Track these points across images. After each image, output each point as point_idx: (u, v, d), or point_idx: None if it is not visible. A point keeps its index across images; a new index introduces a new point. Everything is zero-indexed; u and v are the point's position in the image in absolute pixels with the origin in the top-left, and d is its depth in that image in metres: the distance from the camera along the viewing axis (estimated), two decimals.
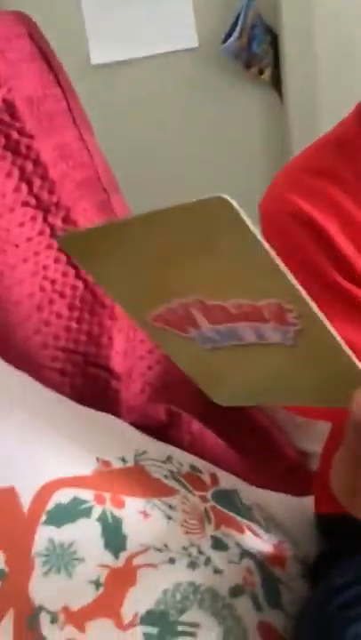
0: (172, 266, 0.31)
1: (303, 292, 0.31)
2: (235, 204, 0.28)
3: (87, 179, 0.81)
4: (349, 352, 0.32)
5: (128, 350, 0.81)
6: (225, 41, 1.86)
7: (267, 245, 0.29)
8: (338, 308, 0.46)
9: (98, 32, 1.87)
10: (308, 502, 0.69)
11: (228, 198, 0.28)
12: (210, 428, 0.79)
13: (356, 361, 0.32)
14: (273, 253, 0.29)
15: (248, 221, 0.28)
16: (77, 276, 0.77)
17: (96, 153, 0.85)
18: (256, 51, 1.85)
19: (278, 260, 0.29)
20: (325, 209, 0.48)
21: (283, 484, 0.77)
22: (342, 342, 0.32)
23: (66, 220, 0.75)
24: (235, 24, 1.84)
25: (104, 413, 0.59)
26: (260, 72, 1.88)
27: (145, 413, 0.78)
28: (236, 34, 1.83)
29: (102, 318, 0.78)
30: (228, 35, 1.85)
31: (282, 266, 0.30)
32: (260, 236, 0.29)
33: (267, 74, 1.88)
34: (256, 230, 0.29)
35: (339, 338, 0.32)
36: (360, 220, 0.46)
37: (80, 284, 0.77)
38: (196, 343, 0.33)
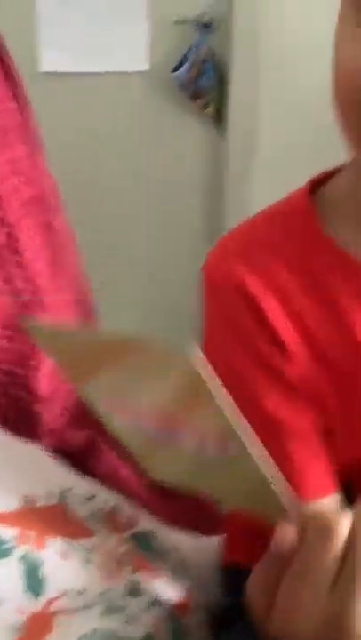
0: (126, 378, 0.32)
1: (249, 437, 0.32)
2: (203, 363, 0.29)
3: (34, 197, 0.80)
4: (284, 489, 0.33)
5: (54, 373, 0.80)
6: (176, 69, 1.89)
7: (224, 398, 0.30)
8: (275, 389, 0.48)
9: (51, 39, 1.85)
10: (218, 544, 0.70)
11: (201, 359, 0.29)
12: (126, 461, 0.79)
13: (289, 498, 0.34)
14: (229, 407, 0.31)
15: (212, 381, 0.29)
16: (14, 293, 0.76)
17: (44, 172, 0.84)
18: (203, 85, 1.89)
19: (231, 409, 0.31)
20: (270, 288, 0.49)
21: (194, 520, 0.78)
22: (278, 477, 0.33)
23: (9, 236, 0.73)
24: (187, 55, 1.87)
25: (31, 446, 0.58)
26: (206, 106, 1.92)
27: (63, 438, 0.77)
28: (186, 65, 1.86)
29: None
30: (180, 64, 1.88)
31: (232, 414, 0.31)
32: (217, 392, 0.30)
33: (211, 109, 1.92)
34: (216, 387, 0.30)
35: (275, 472, 0.33)
36: (303, 305, 0.48)
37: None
38: (130, 424, 0.34)
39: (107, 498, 0.57)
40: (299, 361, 0.48)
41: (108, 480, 0.77)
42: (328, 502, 0.49)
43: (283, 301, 0.49)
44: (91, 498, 0.55)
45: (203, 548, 0.69)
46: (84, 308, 0.92)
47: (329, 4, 1.84)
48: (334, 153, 0.39)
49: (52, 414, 0.78)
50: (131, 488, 0.78)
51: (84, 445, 0.76)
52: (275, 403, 0.49)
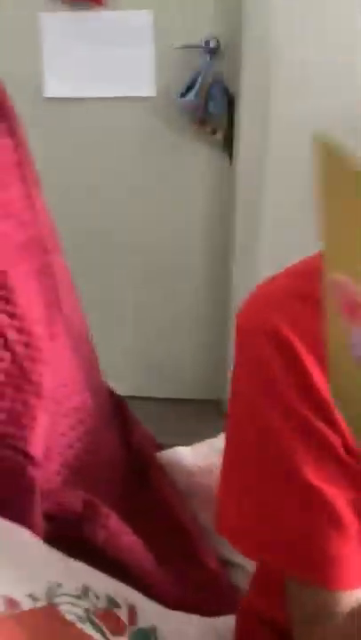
0: None
1: None
2: None
3: (29, 240, 0.74)
4: None
5: (50, 429, 0.75)
6: (183, 95, 1.84)
7: None
8: (309, 449, 0.42)
9: (55, 65, 1.81)
10: (225, 628, 0.63)
11: None
12: (128, 523, 0.73)
13: None
14: None
15: None
16: (5, 346, 0.70)
17: (41, 211, 0.78)
18: (212, 110, 1.83)
19: None
20: (305, 336, 0.43)
21: (199, 597, 0.72)
22: None
23: (2, 286, 0.68)
24: (194, 81, 1.83)
25: (16, 529, 0.52)
26: (214, 131, 1.87)
27: (60, 502, 0.71)
28: (194, 91, 1.81)
29: (27, 396, 0.71)
30: (187, 90, 1.84)
31: None
32: None
33: (220, 134, 1.87)
34: None
35: None
36: None
37: (7, 356, 0.70)
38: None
39: (100, 589, 0.51)
40: (343, 426, 0.41)
41: (109, 547, 0.71)
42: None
43: (320, 353, 0.42)
44: (82, 594, 0.49)
45: (210, 631, 0.63)
46: (84, 352, 0.86)
47: (340, 26, 1.78)
48: None
49: (47, 474, 0.72)
50: (134, 556, 0.72)
51: (82, 510, 0.70)
52: (315, 471, 0.42)
